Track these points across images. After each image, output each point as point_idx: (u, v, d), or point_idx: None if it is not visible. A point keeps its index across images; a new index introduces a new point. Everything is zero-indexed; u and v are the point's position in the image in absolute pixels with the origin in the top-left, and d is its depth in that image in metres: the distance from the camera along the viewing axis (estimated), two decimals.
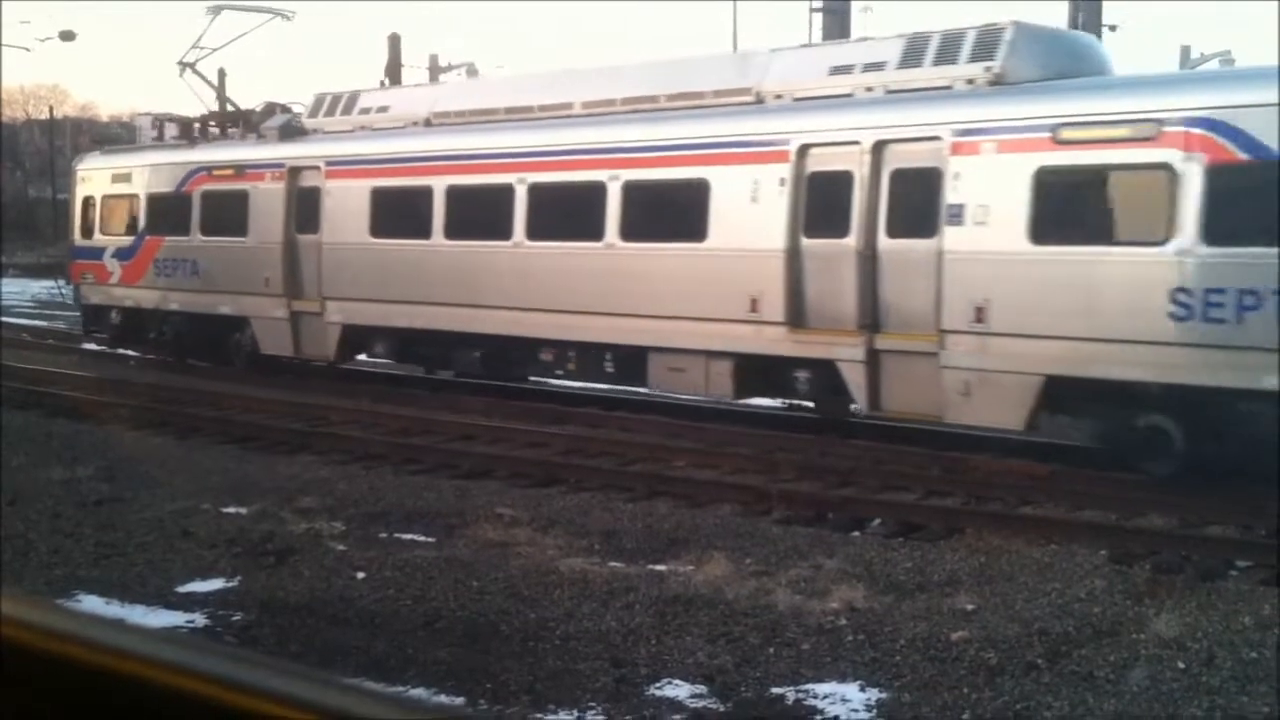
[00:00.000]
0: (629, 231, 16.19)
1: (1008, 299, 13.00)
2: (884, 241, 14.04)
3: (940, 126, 13.61)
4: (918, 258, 13.67)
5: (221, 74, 25.66)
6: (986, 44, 14.09)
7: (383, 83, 37.21)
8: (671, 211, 15.84)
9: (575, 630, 8.32)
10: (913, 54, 14.65)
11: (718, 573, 9.52)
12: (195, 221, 21.95)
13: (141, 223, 23.14)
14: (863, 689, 7.39)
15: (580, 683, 7.45)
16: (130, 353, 24.29)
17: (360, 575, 9.59)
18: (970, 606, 8.81)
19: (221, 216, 21.44)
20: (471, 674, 7.57)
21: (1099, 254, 12.45)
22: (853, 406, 14.81)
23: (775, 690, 7.38)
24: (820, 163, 14.57)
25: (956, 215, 13.33)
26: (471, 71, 43.96)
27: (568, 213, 16.82)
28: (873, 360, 14.10)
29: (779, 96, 15.63)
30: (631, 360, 16.44)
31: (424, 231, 18.42)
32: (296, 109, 22.21)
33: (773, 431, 15.71)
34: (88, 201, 24.56)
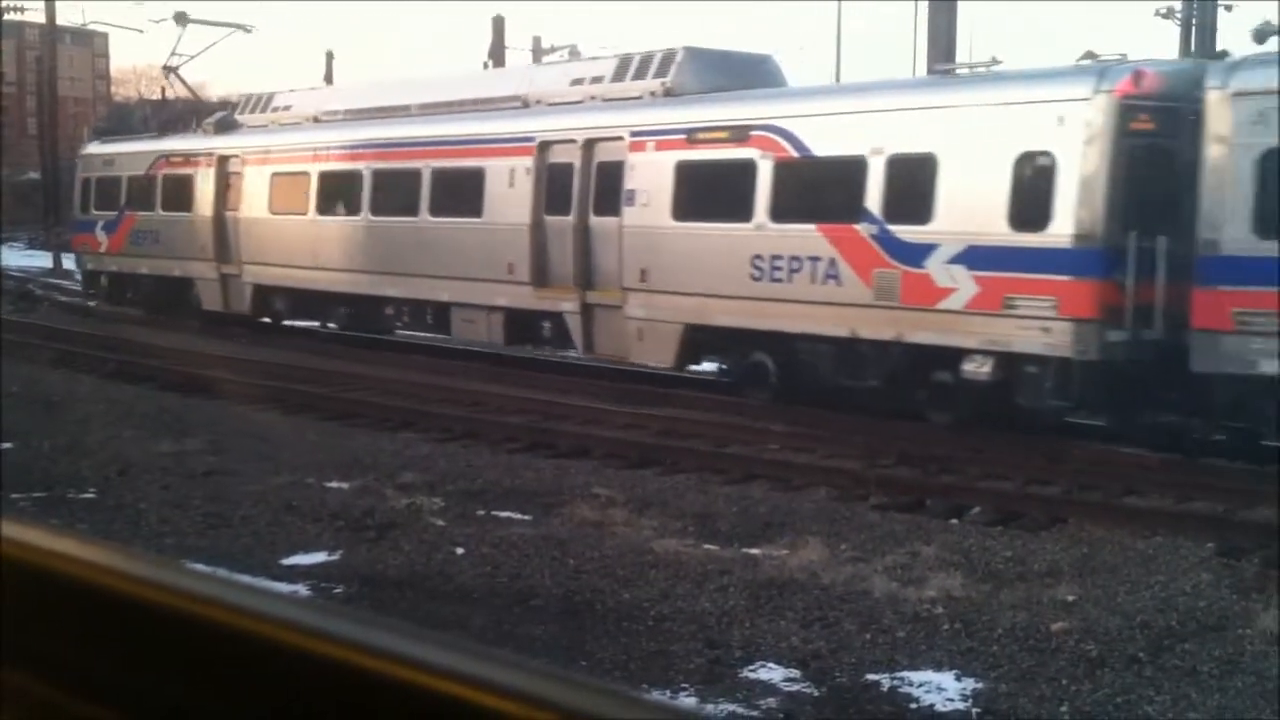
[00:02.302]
0: (435, 209, 20.21)
1: (660, 264, 16.88)
2: (592, 218, 17.85)
3: (623, 129, 17.49)
4: (611, 231, 17.53)
5: (330, 56, 28.98)
6: (664, 63, 17.99)
7: (486, 64, 37.45)
8: (461, 193, 19.69)
9: (670, 611, 8.34)
10: (621, 70, 18.61)
11: (813, 557, 9.49)
12: (158, 200, 26.50)
13: (122, 200, 27.53)
14: (959, 678, 7.32)
15: (674, 663, 7.48)
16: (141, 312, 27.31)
17: (459, 551, 9.72)
18: (1071, 597, 8.67)
19: (174, 196, 26.02)
20: (566, 651, 7.63)
21: (720, 228, 16.22)
22: (572, 351, 19.07)
23: (870, 677, 7.33)
24: (554, 156, 18.41)
25: (630, 198, 17.21)
26: (574, 53, 44.01)
27: (398, 193, 20.91)
28: (586, 312, 17.99)
29: (538, 102, 19.56)
30: (444, 313, 20.28)
31: (304, 208, 22.68)
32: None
33: (870, 416, 15.58)
34: (85, 182, 29.12)
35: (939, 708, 6.98)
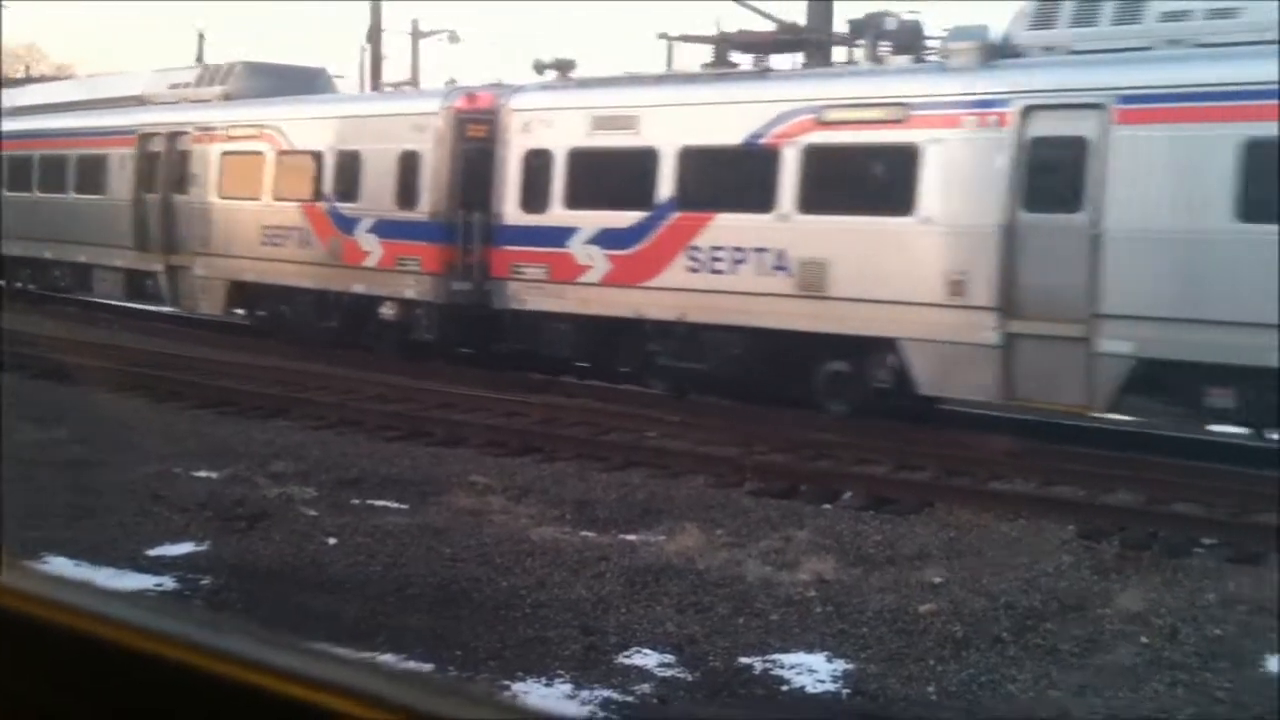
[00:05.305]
0: (78, 188, 25.15)
1: (211, 233, 21.72)
2: (174, 196, 22.54)
3: (189, 125, 22.50)
4: (186, 206, 22.33)
5: (201, 37, 32.24)
6: (226, 74, 23.27)
7: (363, 48, 36.91)
8: (92, 175, 24.56)
9: (546, 598, 8.34)
10: (201, 78, 23.98)
11: (689, 543, 9.56)
12: None
13: None
14: (830, 660, 7.44)
15: (550, 650, 7.48)
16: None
17: (332, 541, 9.60)
18: (938, 580, 8.87)
19: None
20: (442, 640, 7.58)
21: (245, 204, 21.14)
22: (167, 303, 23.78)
23: (743, 660, 7.42)
24: (150, 145, 23.29)
25: (194, 180, 22.23)
26: (453, 39, 43.62)
27: (55, 174, 25.78)
28: (170, 272, 22.84)
29: (151, 100, 24.42)
30: (88, 273, 25.04)
31: (29, 187, 26.80)
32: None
33: (748, 404, 15.76)
34: None
35: (810, 689, 7.09)
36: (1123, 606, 8.25)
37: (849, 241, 14.40)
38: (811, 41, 17.53)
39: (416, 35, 44.95)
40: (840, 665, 7.37)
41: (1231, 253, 12.06)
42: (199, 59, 37.92)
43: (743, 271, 15.19)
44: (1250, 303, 11.87)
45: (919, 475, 12.43)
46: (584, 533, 10.09)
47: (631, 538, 9.97)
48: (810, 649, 7.59)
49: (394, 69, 44.47)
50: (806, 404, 15.10)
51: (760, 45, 17.28)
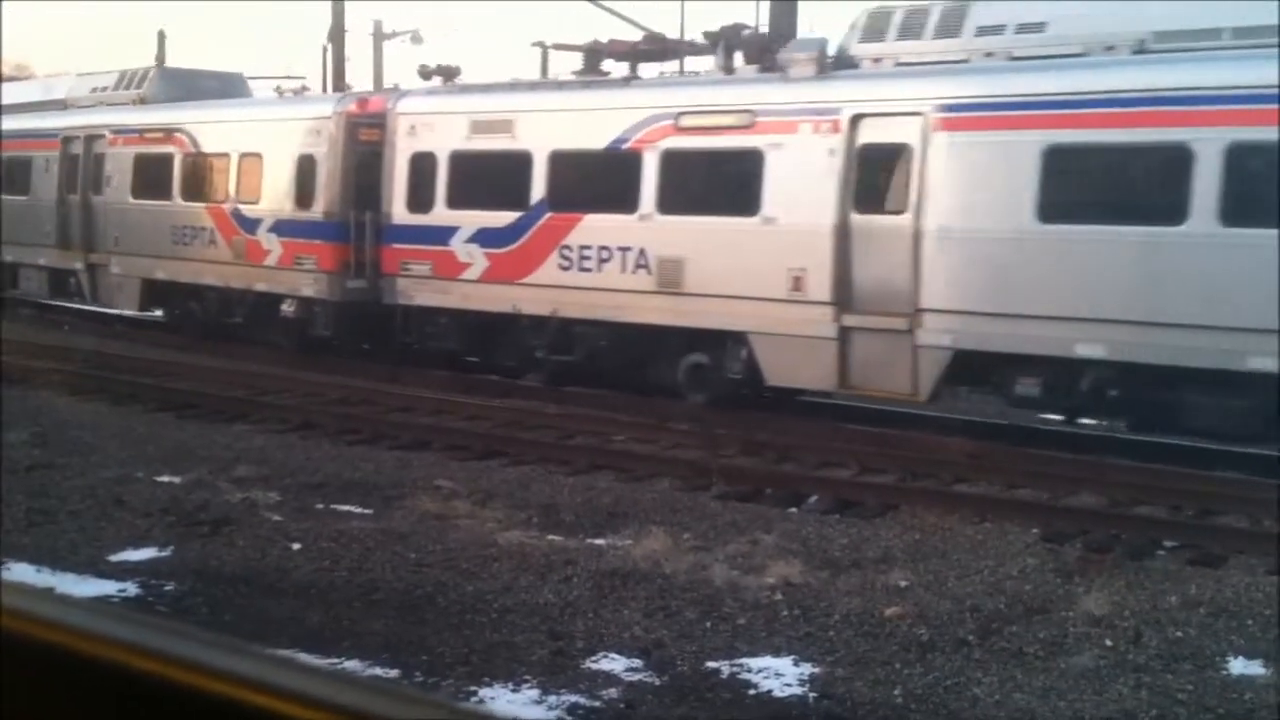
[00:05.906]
0: (7, 189, 25.56)
1: (125, 233, 22.63)
2: (92, 196, 23.44)
3: (106, 128, 23.28)
4: (103, 206, 23.14)
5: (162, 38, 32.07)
6: (142, 78, 24.17)
7: (325, 48, 36.74)
8: (18, 175, 25.32)
9: (513, 603, 8.31)
10: (119, 82, 24.46)
11: (656, 547, 9.54)
12: None
13: None
14: (797, 663, 7.45)
15: (517, 655, 7.45)
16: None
17: (296, 546, 9.52)
18: (904, 583, 8.90)
19: None
20: (408, 646, 7.54)
21: (156, 205, 21.86)
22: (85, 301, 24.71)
23: (711, 664, 7.42)
24: (71, 147, 24.17)
25: (108, 180, 23.05)
26: (416, 39, 43.46)
27: (6, 175, 25.68)
28: (90, 270, 23.58)
29: (74, 103, 25.19)
30: (23, 274, 26.11)
31: None
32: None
33: (712, 407, 15.77)
34: None
35: (777, 693, 7.09)
36: (1086, 609, 8.31)
37: (702, 240, 15.38)
38: (678, 50, 18.19)
39: (379, 36, 44.73)
40: (807, 669, 7.38)
41: (1034, 251, 12.97)
42: (158, 60, 37.70)
43: (608, 269, 16.18)
44: (1050, 297, 12.85)
45: (883, 478, 12.47)
46: (550, 537, 10.06)
47: (598, 542, 9.95)
48: (777, 653, 7.60)
49: (357, 71, 44.23)
50: (671, 393, 16.10)
51: (628, 54, 18.06)
